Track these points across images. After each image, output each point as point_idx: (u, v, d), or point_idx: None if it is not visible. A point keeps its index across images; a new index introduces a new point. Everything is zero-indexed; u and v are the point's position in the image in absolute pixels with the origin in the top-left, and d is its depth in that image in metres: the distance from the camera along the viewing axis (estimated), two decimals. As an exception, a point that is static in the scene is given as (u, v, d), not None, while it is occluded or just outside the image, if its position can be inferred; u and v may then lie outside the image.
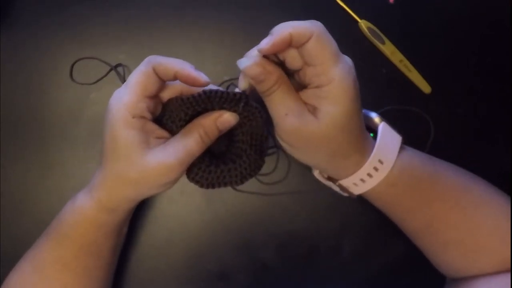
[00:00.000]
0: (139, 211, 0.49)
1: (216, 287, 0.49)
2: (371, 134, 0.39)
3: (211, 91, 0.35)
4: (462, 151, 0.51)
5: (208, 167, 0.38)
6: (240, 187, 0.43)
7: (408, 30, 0.54)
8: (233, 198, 0.50)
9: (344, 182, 0.38)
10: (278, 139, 0.37)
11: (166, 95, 0.37)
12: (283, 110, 0.34)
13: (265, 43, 0.32)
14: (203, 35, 0.53)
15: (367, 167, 0.36)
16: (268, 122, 0.38)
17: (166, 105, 0.38)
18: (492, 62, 0.53)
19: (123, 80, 0.51)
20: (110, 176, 0.36)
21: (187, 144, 0.36)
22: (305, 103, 0.35)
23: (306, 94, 0.35)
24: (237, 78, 0.37)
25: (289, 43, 0.32)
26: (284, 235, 0.50)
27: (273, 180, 0.50)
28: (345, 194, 0.41)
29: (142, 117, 0.35)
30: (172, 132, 0.38)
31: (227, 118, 0.36)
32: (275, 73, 0.34)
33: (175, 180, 0.37)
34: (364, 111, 0.46)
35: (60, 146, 0.50)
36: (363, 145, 0.37)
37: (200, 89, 0.36)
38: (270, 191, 0.50)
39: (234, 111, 0.37)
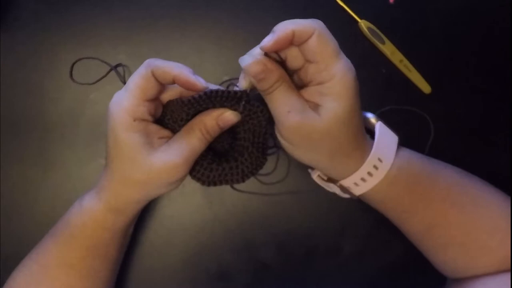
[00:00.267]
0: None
1: (216, 287, 0.49)
2: (368, 135, 0.39)
3: (211, 91, 0.35)
4: (462, 151, 0.51)
5: (210, 164, 0.38)
6: (240, 187, 0.43)
7: (408, 30, 0.54)
8: (233, 198, 0.50)
9: (345, 182, 0.38)
10: (280, 138, 0.37)
11: (166, 96, 0.37)
12: (285, 107, 0.34)
13: (268, 41, 0.32)
14: (203, 35, 0.53)
15: (367, 165, 0.36)
16: (268, 122, 0.38)
17: (166, 106, 0.38)
18: (492, 62, 0.53)
19: (123, 80, 0.51)
20: (117, 178, 0.36)
21: (190, 142, 0.36)
22: (307, 101, 0.35)
23: (307, 92, 0.35)
24: (237, 78, 0.37)
25: (291, 41, 0.33)
26: (284, 235, 0.50)
27: (273, 180, 0.50)
28: (346, 196, 0.40)
29: (144, 120, 0.35)
30: (175, 131, 0.38)
31: (228, 116, 0.36)
32: (276, 71, 0.34)
33: (182, 179, 0.37)
34: (361, 112, 0.46)
35: (60, 146, 0.50)
36: (363, 143, 0.37)
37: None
38: (270, 191, 0.50)
39: (235, 109, 0.37)
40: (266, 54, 0.34)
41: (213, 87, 0.36)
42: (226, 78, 0.52)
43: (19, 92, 0.51)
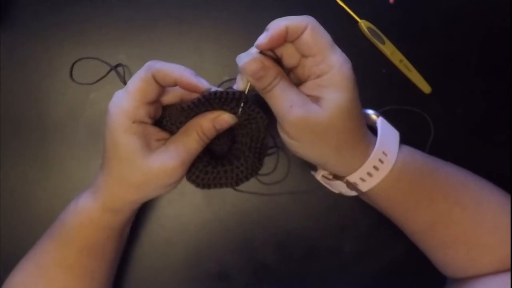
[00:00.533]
0: (139, 211, 0.49)
1: (216, 287, 0.49)
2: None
3: (210, 93, 0.35)
4: (462, 151, 0.51)
5: (206, 167, 0.38)
6: (240, 187, 0.43)
7: (408, 30, 0.54)
8: (233, 198, 0.50)
9: (351, 178, 0.37)
10: (283, 135, 0.36)
11: (166, 98, 0.37)
12: (287, 102, 0.33)
13: (262, 39, 0.33)
14: (203, 35, 0.53)
15: (373, 159, 0.36)
16: (267, 127, 0.38)
17: (166, 109, 0.38)
18: (492, 62, 0.53)
19: (123, 80, 0.51)
20: (113, 179, 0.36)
21: (187, 144, 0.36)
22: (307, 96, 0.35)
23: (306, 87, 0.35)
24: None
25: (285, 37, 0.33)
26: (284, 235, 0.50)
27: (273, 180, 0.50)
28: (352, 194, 0.40)
29: (142, 122, 0.35)
30: (173, 133, 0.38)
31: (224, 119, 0.37)
32: (274, 67, 0.34)
33: (179, 181, 0.37)
34: (361, 109, 0.46)
35: (60, 146, 0.50)
36: (366, 136, 0.37)
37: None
38: (270, 191, 0.50)
39: (234, 112, 0.37)
40: (262, 53, 0.34)
41: (212, 88, 0.36)
42: (226, 78, 0.52)
43: (19, 92, 0.51)
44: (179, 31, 0.53)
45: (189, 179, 0.38)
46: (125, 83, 0.51)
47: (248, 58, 0.33)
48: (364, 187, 0.38)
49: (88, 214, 0.38)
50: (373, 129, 0.39)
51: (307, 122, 0.33)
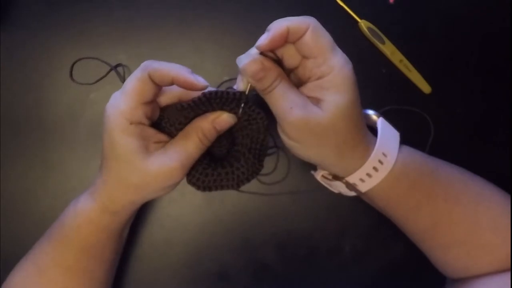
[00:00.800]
0: (139, 211, 0.49)
1: (216, 287, 0.49)
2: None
3: (210, 92, 0.35)
4: (462, 151, 0.51)
5: (206, 169, 0.38)
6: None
7: (408, 30, 0.54)
8: (233, 198, 0.50)
9: (351, 179, 0.37)
10: (283, 137, 0.36)
11: (164, 99, 0.37)
12: (287, 103, 0.33)
13: (263, 39, 0.32)
14: (203, 35, 0.53)
15: (373, 159, 0.36)
16: (267, 128, 0.38)
17: (165, 110, 0.37)
18: (492, 62, 0.53)
19: (123, 80, 0.51)
20: (112, 181, 0.36)
21: (187, 147, 0.36)
22: (307, 97, 0.35)
23: (306, 89, 0.35)
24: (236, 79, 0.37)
25: (286, 38, 0.33)
26: (284, 235, 0.50)
27: (273, 180, 0.50)
28: (352, 194, 0.40)
29: (140, 123, 0.35)
30: (171, 135, 0.38)
31: (224, 119, 0.36)
32: (274, 68, 0.34)
33: (178, 183, 0.37)
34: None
35: (60, 146, 0.50)
36: (366, 137, 0.37)
37: (199, 92, 0.36)
38: (270, 191, 0.50)
39: (235, 113, 0.36)
40: (262, 54, 0.34)
41: (211, 89, 0.36)
42: (226, 78, 0.52)
43: (19, 92, 0.51)
44: (179, 31, 0.53)
45: (189, 182, 0.38)
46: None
47: (248, 59, 0.33)
48: (363, 187, 0.38)
49: (87, 215, 0.38)
50: (373, 130, 0.39)
51: (307, 124, 0.33)
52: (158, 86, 0.35)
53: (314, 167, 0.42)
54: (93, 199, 0.38)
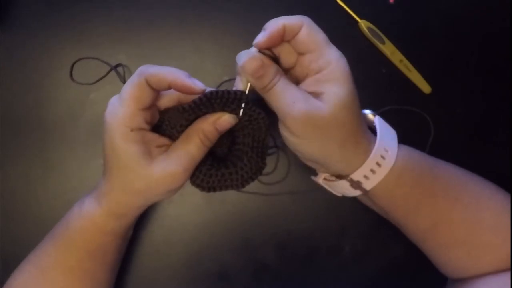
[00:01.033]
0: (139, 211, 0.49)
1: (216, 287, 0.49)
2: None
3: (211, 92, 0.35)
4: (462, 151, 0.51)
5: (209, 170, 0.38)
6: (240, 187, 0.43)
7: (408, 30, 0.54)
8: (233, 198, 0.50)
9: (355, 176, 0.37)
10: (286, 133, 0.36)
11: (163, 102, 0.37)
12: (289, 99, 0.33)
13: (261, 37, 0.33)
14: (203, 35, 0.53)
15: (375, 155, 0.36)
16: (268, 126, 0.37)
17: (165, 113, 0.37)
18: (492, 62, 0.53)
19: (123, 80, 0.51)
20: (116, 187, 0.36)
21: (189, 150, 0.36)
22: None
23: (305, 84, 0.35)
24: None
25: (283, 36, 0.34)
26: (284, 235, 0.50)
27: (273, 180, 0.50)
28: (356, 194, 0.39)
29: (141, 129, 0.35)
30: (173, 138, 0.37)
31: (226, 120, 0.36)
32: (273, 65, 0.34)
33: (182, 186, 0.37)
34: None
35: (60, 146, 0.50)
36: (366, 134, 0.37)
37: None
38: (270, 191, 0.50)
39: (235, 113, 0.36)
40: (260, 52, 0.34)
41: (212, 90, 0.36)
42: (226, 78, 0.52)
43: (19, 92, 0.51)
44: (179, 31, 0.53)
45: (193, 183, 0.38)
46: (125, 83, 0.51)
47: (247, 56, 0.33)
48: (368, 185, 0.37)
49: (92, 219, 0.38)
50: (370, 129, 0.39)
51: (311, 117, 0.33)
52: (156, 91, 0.35)
53: (313, 171, 0.41)
54: (99, 203, 0.38)
